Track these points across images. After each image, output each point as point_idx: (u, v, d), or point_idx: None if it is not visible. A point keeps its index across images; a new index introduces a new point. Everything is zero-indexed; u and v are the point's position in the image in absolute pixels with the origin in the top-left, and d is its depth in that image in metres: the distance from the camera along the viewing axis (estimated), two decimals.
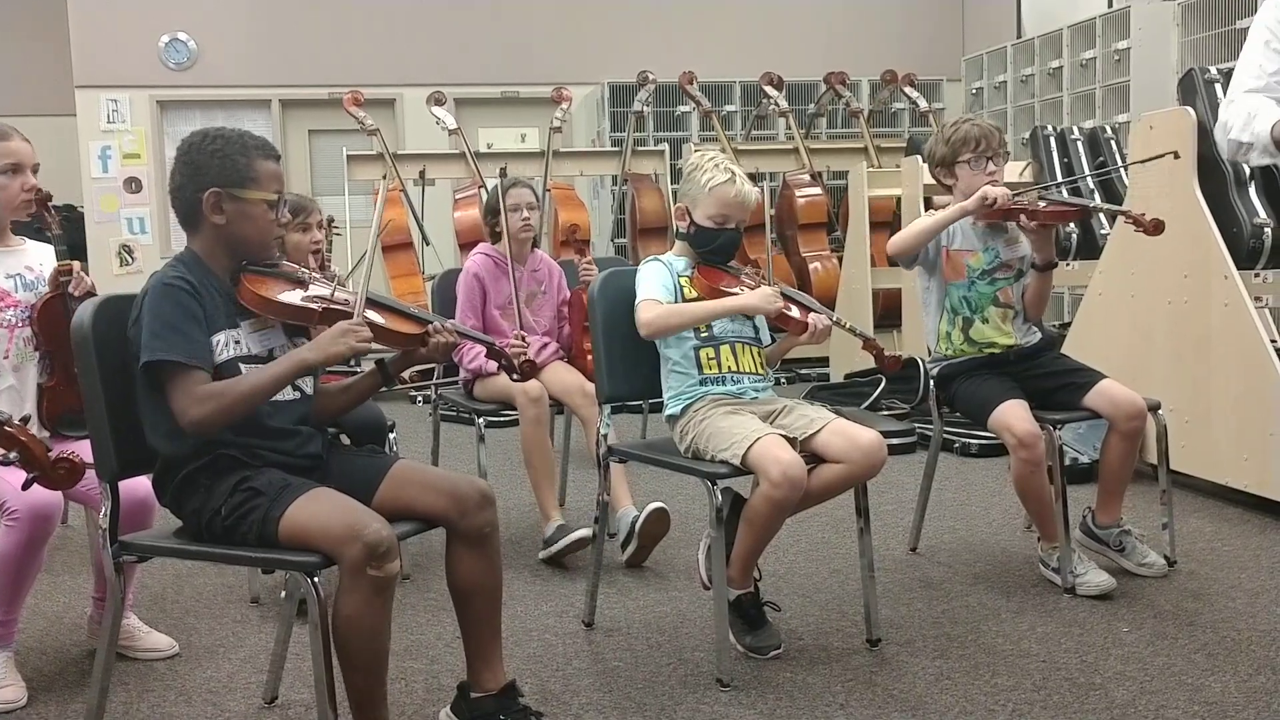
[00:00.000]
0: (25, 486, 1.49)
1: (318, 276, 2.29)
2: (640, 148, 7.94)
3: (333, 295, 2.17)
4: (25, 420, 1.83)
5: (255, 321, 2.14)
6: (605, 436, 2.83)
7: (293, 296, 2.15)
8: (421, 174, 7.28)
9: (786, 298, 2.77)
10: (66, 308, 2.65)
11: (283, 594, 2.55)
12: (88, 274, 2.76)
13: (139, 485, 2.39)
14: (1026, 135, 6.47)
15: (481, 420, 3.58)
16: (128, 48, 8.79)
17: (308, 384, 2.22)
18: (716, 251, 2.80)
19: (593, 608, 2.91)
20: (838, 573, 3.29)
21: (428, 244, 7.25)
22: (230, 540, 2.00)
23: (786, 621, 2.84)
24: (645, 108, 8.01)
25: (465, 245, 6.97)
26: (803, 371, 6.85)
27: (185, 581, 3.33)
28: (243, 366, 2.08)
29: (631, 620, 2.95)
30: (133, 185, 8.86)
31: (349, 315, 2.11)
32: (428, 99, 7.47)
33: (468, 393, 3.76)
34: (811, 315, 2.77)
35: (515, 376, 2.40)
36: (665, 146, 7.89)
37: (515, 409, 3.52)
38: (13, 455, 1.51)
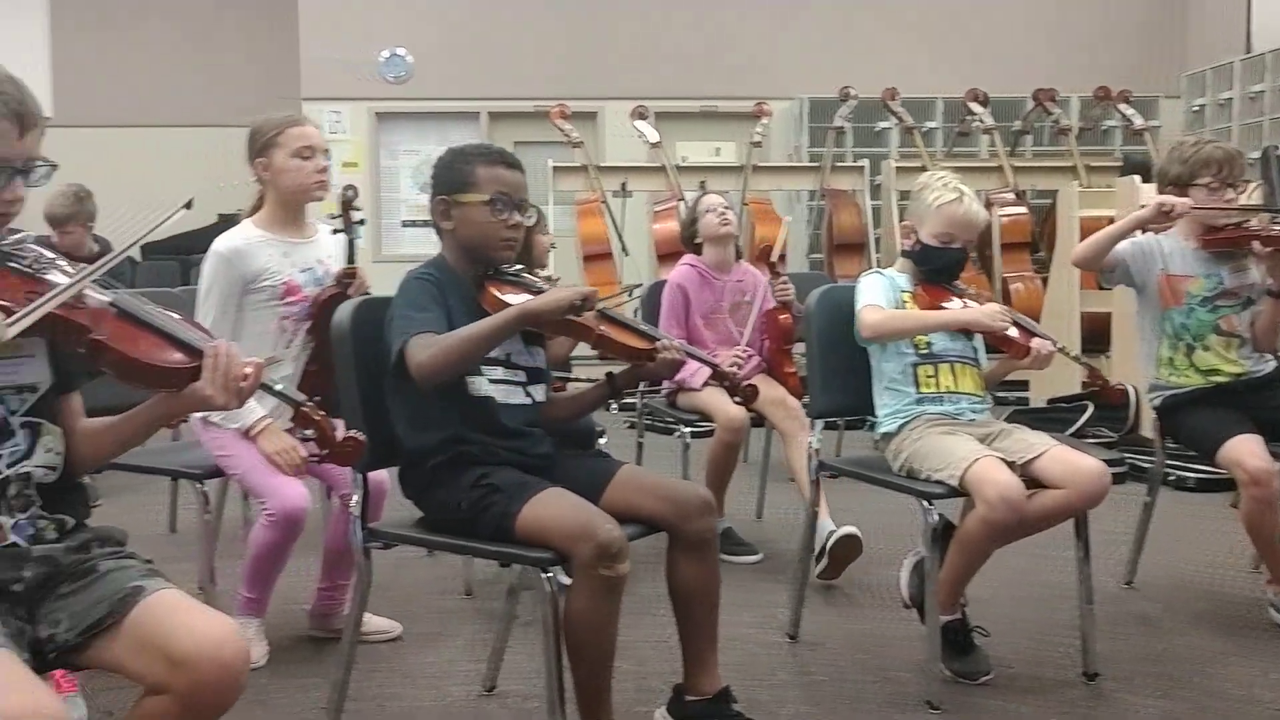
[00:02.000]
0: (319, 461, 1.64)
1: (554, 286, 2.38)
2: (839, 163, 7.90)
3: None
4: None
5: None
6: (817, 451, 2.85)
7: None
8: (623, 186, 7.43)
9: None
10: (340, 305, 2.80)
11: (507, 588, 2.66)
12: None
13: (377, 477, 2.55)
14: (1255, 155, 6.14)
15: (687, 430, 3.66)
16: (351, 63, 9.29)
17: (538, 392, 2.31)
18: (941, 270, 2.79)
19: (797, 620, 2.92)
20: (1044, 602, 3.21)
21: (626, 254, 7.40)
22: (469, 533, 2.11)
23: (994, 648, 2.79)
24: (845, 123, 7.97)
25: (663, 257, 7.08)
26: (1000, 395, 6.68)
27: (403, 571, 3.50)
28: (484, 369, 2.19)
29: (834, 635, 2.95)
30: (349, 192, 9.35)
31: (582, 326, 2.20)
32: (631, 113, 7.63)
33: (670, 403, 3.83)
34: (1035, 340, 2.72)
35: (738, 400, 2.45)
36: (865, 163, 7.83)
37: (714, 422, 3.58)
38: (308, 432, 1.65)
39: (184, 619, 1.45)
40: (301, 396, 1.65)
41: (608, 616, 2.02)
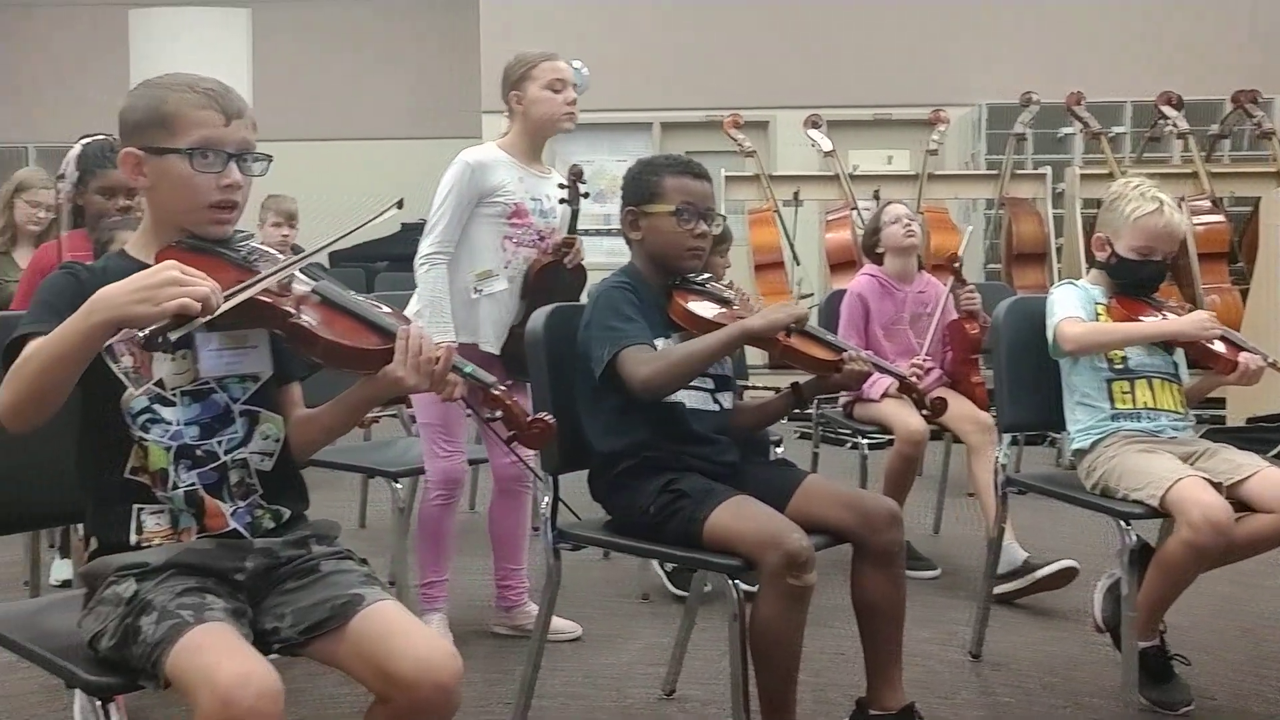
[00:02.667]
0: (507, 443, 1.68)
1: (738, 297, 2.39)
2: (1019, 171, 7.67)
3: (756, 311, 2.27)
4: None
5: (684, 334, 2.28)
6: (1005, 466, 2.77)
7: (714, 312, 2.26)
8: (795, 195, 7.39)
9: None
10: (559, 275, 2.90)
11: (688, 591, 2.68)
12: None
13: (453, 467, 2.82)
14: None
15: (864, 442, 3.61)
16: None
17: (726, 399, 2.33)
18: (1139, 285, 2.67)
19: (980, 639, 2.85)
20: (1249, 632, 3.04)
21: (798, 264, 7.36)
22: (656, 537, 2.14)
23: (1194, 678, 2.65)
24: (1026, 129, 7.73)
25: (835, 267, 7.01)
26: (1194, 412, 6.34)
27: (579, 574, 3.56)
28: None
29: (1020, 656, 2.86)
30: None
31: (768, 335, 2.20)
32: (804, 122, 7.58)
33: (847, 414, 3.79)
34: (1243, 354, 2.58)
35: (926, 412, 2.41)
36: (1047, 170, 7.58)
37: (892, 434, 3.51)
38: (497, 414, 1.69)
39: (404, 641, 1.50)
40: (491, 378, 1.69)
41: (795, 626, 2.02)
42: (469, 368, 1.67)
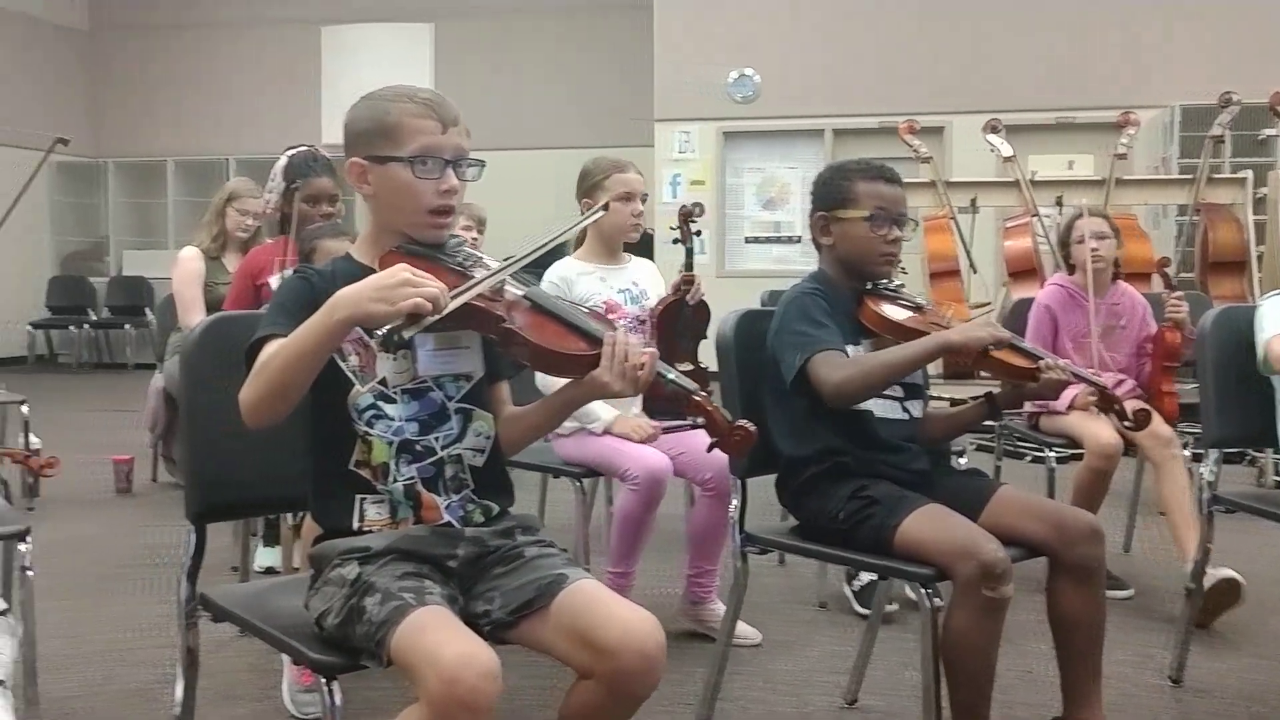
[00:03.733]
0: (710, 449, 1.70)
1: (930, 304, 2.36)
2: (1216, 175, 7.29)
3: (951, 320, 2.24)
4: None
5: (875, 342, 2.26)
6: (1211, 484, 2.65)
7: (910, 319, 2.24)
8: (972, 202, 7.21)
9: None
10: (682, 313, 2.99)
11: (873, 601, 2.66)
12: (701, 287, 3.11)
13: None
14: None
15: (1052, 455, 3.50)
16: (701, 84, 9.59)
17: (915, 408, 2.30)
18: None
19: (1181, 664, 2.73)
20: None
21: (974, 272, 7.18)
22: (844, 543, 2.13)
23: None
24: (1225, 131, 7.34)
25: (1014, 275, 6.81)
26: None
27: (755, 579, 3.55)
28: None
29: (1224, 684, 2.73)
30: (696, 209, 9.67)
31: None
32: (983, 126, 7.38)
33: (1032, 425, 3.68)
34: None
35: (1128, 424, 2.32)
36: (1247, 174, 7.18)
37: (1082, 447, 3.40)
38: (699, 420, 1.71)
39: (607, 611, 1.55)
40: (694, 385, 1.72)
41: (989, 638, 1.98)
42: (672, 374, 1.69)
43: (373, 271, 1.63)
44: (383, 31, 11.42)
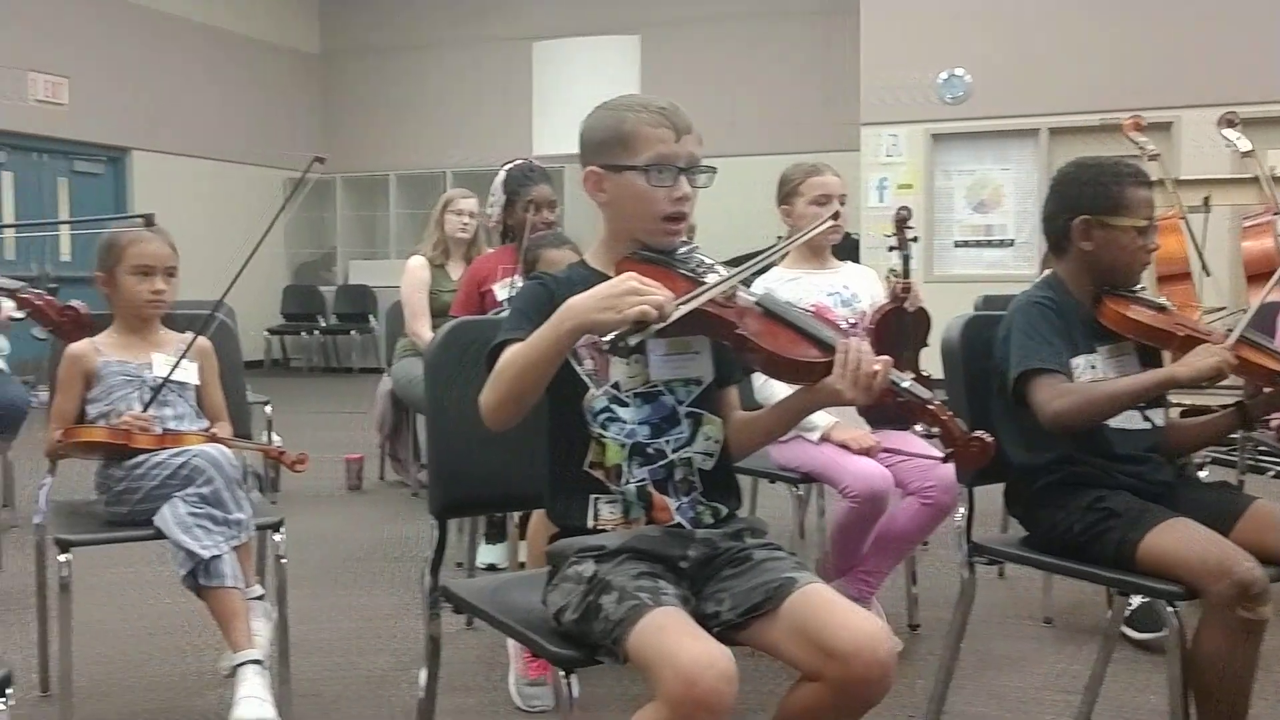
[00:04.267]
0: (945, 460, 1.67)
1: (1171, 305, 2.25)
2: None
3: (1197, 322, 2.13)
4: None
5: (1113, 348, 2.17)
6: None
7: (1156, 319, 2.14)
8: (1205, 201, 6.81)
9: None
10: (901, 320, 2.94)
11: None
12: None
13: None
14: None
15: None
16: (909, 86, 9.41)
17: (1157, 416, 2.20)
18: None
19: None
20: None
21: (1207, 274, 6.77)
22: (1081, 556, 2.05)
23: None
24: None
25: (1253, 278, 6.38)
26: None
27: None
28: None
29: None
30: (902, 213, 9.48)
31: (1208, 343, 2.06)
32: (1218, 120, 6.95)
33: None
34: None
35: None
36: None
37: None
38: (933, 430, 1.68)
39: (838, 615, 1.54)
40: (928, 393, 1.69)
41: (1245, 663, 1.87)
42: (906, 382, 1.66)
43: (607, 277, 1.67)
44: (591, 45, 11.71)
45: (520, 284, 3.99)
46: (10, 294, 1.49)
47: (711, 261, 1.76)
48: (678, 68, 10.96)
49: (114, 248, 2.64)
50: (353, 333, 11.72)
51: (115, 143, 10.09)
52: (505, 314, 3.48)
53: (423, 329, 4.78)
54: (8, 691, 1.55)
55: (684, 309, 1.58)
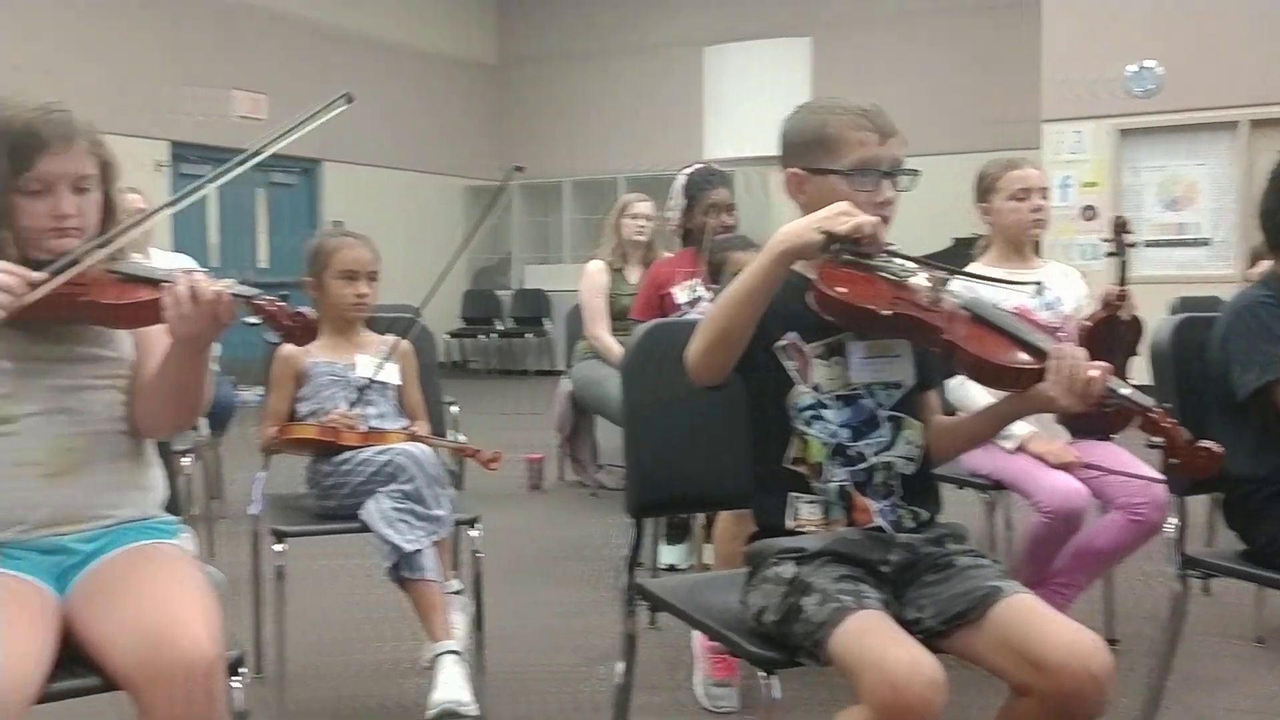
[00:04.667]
0: (1167, 471, 1.60)
1: None
2: None
3: None
4: None
5: None
6: None
7: None
8: None
9: None
10: (1114, 329, 2.83)
11: None
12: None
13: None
14: None
15: None
16: (1094, 81, 9.05)
17: None
18: None
19: None
20: None
21: None
22: None
23: None
24: None
25: None
26: None
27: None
28: None
29: None
30: (1088, 213, 9.12)
31: None
32: None
33: None
34: None
35: None
36: None
37: None
38: (1156, 440, 1.60)
39: (1048, 627, 1.50)
40: (1149, 401, 1.62)
41: None
42: (1125, 389, 1.60)
43: (806, 280, 1.67)
44: (762, 48, 11.68)
45: (699, 287, 4.02)
46: (246, 300, 1.58)
47: (914, 264, 1.73)
48: (849, 68, 10.82)
49: (321, 253, 2.78)
50: (528, 336, 12.01)
51: (308, 155, 10.61)
52: (688, 315, 3.50)
53: (602, 332, 4.86)
54: (241, 671, 1.65)
55: (892, 309, 1.56)
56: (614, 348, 4.80)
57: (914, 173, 1.74)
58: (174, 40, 9.71)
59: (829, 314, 1.64)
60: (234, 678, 1.60)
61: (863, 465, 1.71)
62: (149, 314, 1.58)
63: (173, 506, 1.84)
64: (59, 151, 1.61)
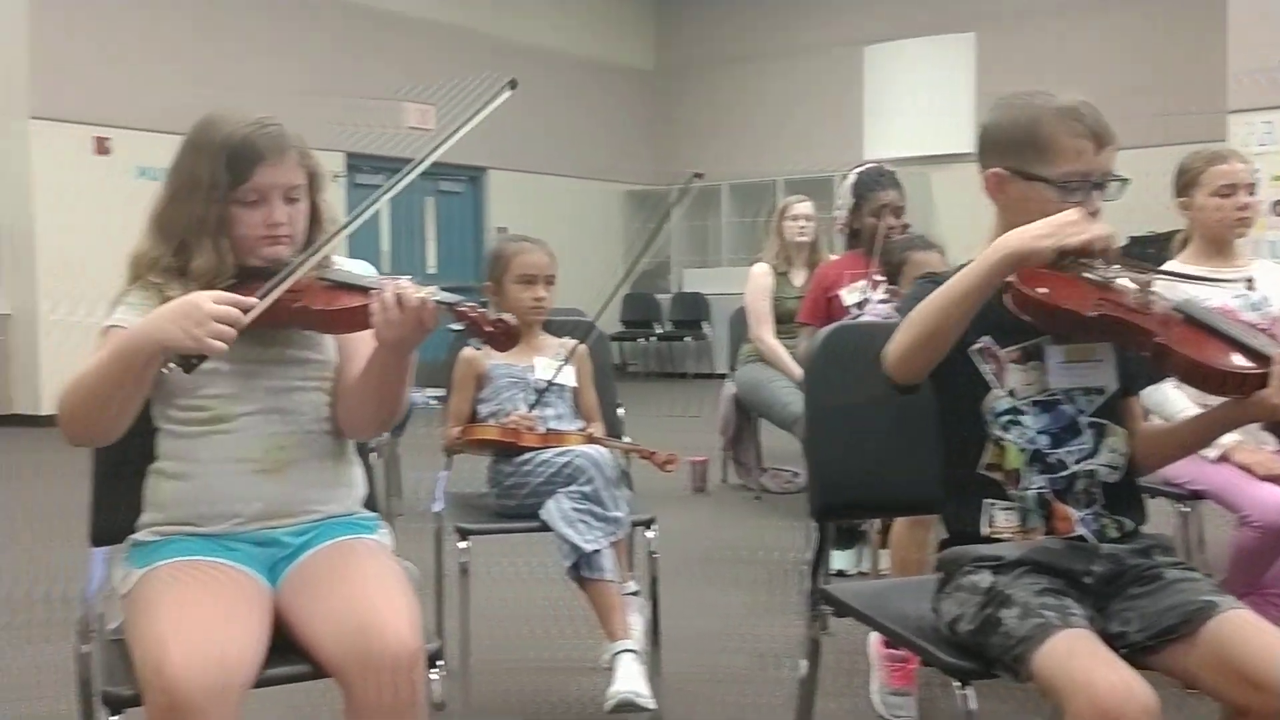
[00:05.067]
0: None
1: None
2: None
3: None
4: None
5: None
6: None
7: None
8: None
9: None
10: None
11: None
12: None
13: None
14: None
15: None
16: None
17: None
18: None
19: None
20: None
21: None
22: None
23: None
24: None
25: None
26: None
27: None
28: None
29: None
30: (1279, 208, 8.62)
31: None
32: None
33: None
34: None
35: None
36: None
37: None
38: None
39: (1268, 643, 1.43)
40: None
41: None
42: None
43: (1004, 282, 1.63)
44: (924, 45, 11.47)
45: (868, 289, 3.96)
46: (450, 307, 1.63)
47: (1117, 265, 1.66)
48: (1017, 64, 10.50)
49: (500, 258, 2.86)
50: (687, 339, 12.05)
51: (474, 163, 10.90)
52: (862, 318, 3.45)
53: (767, 335, 4.85)
54: (438, 662, 1.70)
55: (1098, 310, 1.50)
56: (779, 351, 4.78)
57: (1124, 181, 1.66)
58: (347, 55, 10.12)
59: (1028, 315, 1.59)
60: (432, 669, 1.66)
61: (1063, 473, 1.66)
62: (358, 320, 1.64)
63: (370, 503, 1.92)
64: (273, 163, 1.69)
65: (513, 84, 1.78)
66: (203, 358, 1.59)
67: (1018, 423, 1.66)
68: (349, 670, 1.53)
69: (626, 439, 3.00)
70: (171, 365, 1.60)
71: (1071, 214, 1.50)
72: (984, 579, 1.59)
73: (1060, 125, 1.63)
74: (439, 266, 11.00)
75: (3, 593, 3.79)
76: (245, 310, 1.58)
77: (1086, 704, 1.35)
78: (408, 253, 10.82)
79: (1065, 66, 10.47)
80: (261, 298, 1.61)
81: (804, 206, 5.02)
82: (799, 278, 4.97)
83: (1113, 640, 1.55)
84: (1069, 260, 1.65)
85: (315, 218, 1.80)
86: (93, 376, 1.58)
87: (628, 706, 2.35)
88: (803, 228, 4.97)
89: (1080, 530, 1.64)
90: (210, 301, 1.56)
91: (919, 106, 11.47)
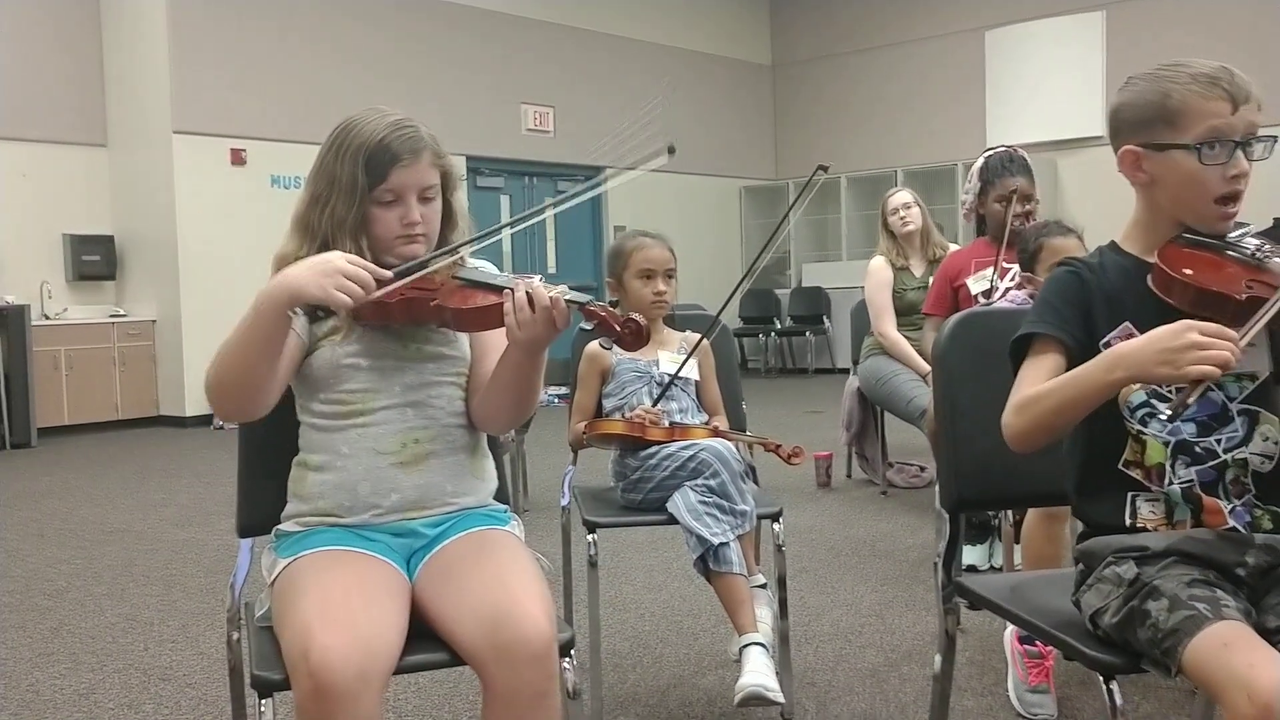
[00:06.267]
0: None
1: None
2: None
3: None
4: None
5: None
6: None
7: None
8: None
9: None
10: None
11: None
12: None
13: None
14: None
15: None
16: None
17: None
18: None
19: None
20: None
21: None
22: None
23: None
24: None
25: None
26: None
27: None
28: None
29: None
30: None
31: None
32: None
33: None
34: None
35: None
36: None
37: None
38: None
39: None
40: None
41: None
42: None
43: (1146, 265, 1.58)
44: (1049, 27, 11.15)
45: (995, 277, 3.86)
46: (581, 306, 1.65)
47: (1272, 246, 1.58)
48: (1148, 43, 10.15)
49: (621, 254, 2.87)
50: (807, 334, 11.95)
51: (591, 163, 11.00)
52: (995, 304, 3.36)
53: (888, 328, 4.78)
54: (572, 652, 1.72)
55: (1248, 336, 1.43)
56: (902, 344, 4.71)
57: (1271, 139, 1.59)
58: (467, 58, 10.32)
59: (1172, 298, 1.53)
60: (565, 658, 1.68)
61: (1213, 463, 1.59)
62: (492, 318, 1.68)
63: (501, 495, 1.95)
64: (409, 164, 1.74)
65: (671, 150, 1.81)
66: (329, 312, 1.64)
67: (1156, 414, 1.60)
68: (486, 658, 1.55)
69: (750, 433, 2.98)
70: (298, 310, 1.67)
71: (1189, 334, 1.42)
72: (1128, 570, 1.54)
73: (1191, 90, 1.57)
74: (558, 266, 11.13)
75: (159, 585, 3.97)
76: (379, 281, 1.63)
77: (1245, 699, 1.29)
78: (529, 253, 10.97)
79: (1201, 41, 10.07)
80: (397, 277, 1.67)
81: (900, 196, 4.96)
82: (918, 268, 4.89)
83: (1269, 636, 1.48)
84: (1214, 240, 1.59)
85: (448, 215, 1.84)
86: (233, 336, 1.66)
87: (756, 700, 2.34)
88: (903, 218, 4.90)
89: (1232, 522, 1.58)
90: (344, 260, 1.63)
91: (1043, 90, 11.16)
